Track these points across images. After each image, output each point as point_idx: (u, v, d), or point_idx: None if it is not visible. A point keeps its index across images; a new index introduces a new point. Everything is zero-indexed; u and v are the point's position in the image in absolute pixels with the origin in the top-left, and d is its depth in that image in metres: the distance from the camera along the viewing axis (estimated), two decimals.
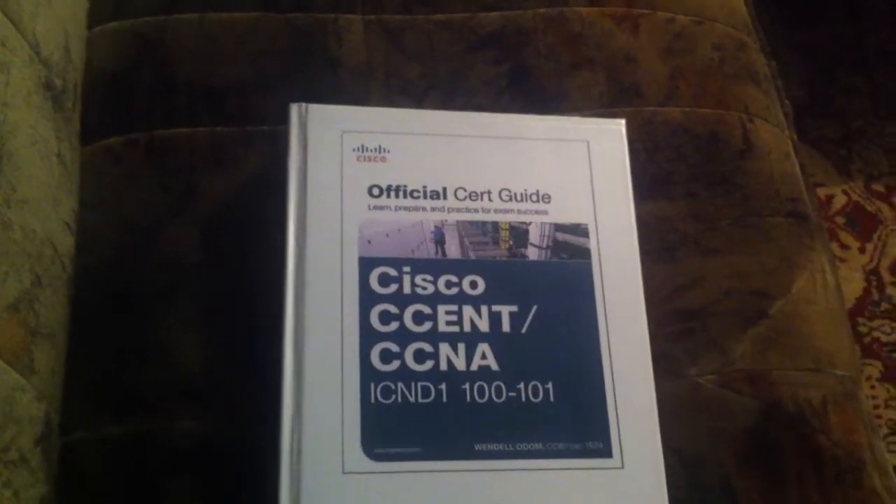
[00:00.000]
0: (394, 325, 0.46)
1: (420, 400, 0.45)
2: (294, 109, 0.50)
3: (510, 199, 0.50)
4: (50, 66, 0.50)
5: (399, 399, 0.45)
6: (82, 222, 0.53)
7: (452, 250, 0.48)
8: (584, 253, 0.49)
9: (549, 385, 0.46)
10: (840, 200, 1.10)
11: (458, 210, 0.49)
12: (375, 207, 0.48)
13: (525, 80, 0.59)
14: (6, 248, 0.43)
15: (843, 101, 1.14)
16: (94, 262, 0.52)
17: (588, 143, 0.52)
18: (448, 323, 0.46)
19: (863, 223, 1.09)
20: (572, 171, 0.51)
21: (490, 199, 0.50)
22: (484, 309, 0.47)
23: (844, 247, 1.08)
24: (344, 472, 0.43)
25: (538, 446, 0.45)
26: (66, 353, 0.49)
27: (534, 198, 0.50)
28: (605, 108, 0.59)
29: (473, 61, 0.59)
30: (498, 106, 0.58)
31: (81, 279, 0.51)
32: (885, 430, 0.98)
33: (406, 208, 0.49)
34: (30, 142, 0.47)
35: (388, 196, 0.48)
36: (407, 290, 0.47)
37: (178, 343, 0.50)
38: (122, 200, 0.54)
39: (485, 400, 0.45)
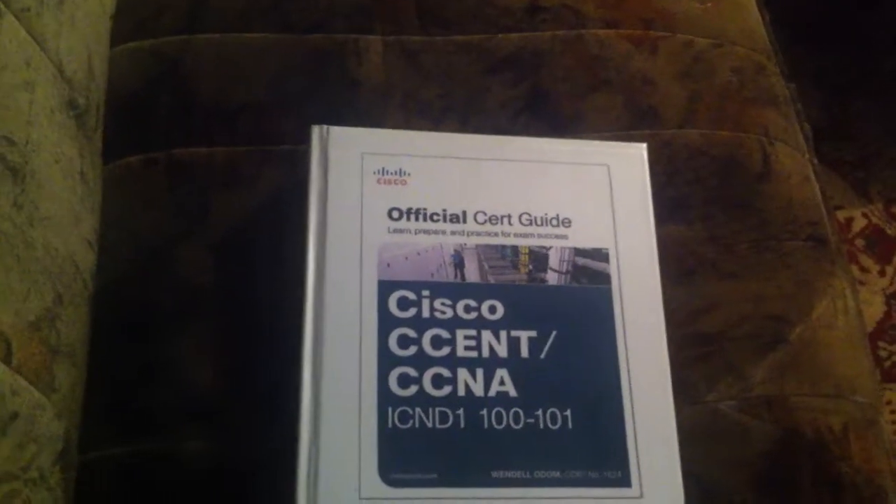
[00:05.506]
0: (412, 350, 0.46)
1: (437, 425, 0.45)
2: (315, 131, 0.50)
3: (530, 223, 0.50)
4: (73, 84, 0.51)
5: (416, 424, 0.44)
6: (102, 241, 0.53)
7: (472, 274, 0.48)
8: (605, 278, 0.49)
9: (568, 412, 0.46)
10: (860, 223, 1.09)
11: (478, 234, 0.49)
12: (395, 230, 0.48)
13: (542, 103, 0.59)
14: (28, 266, 0.43)
15: (858, 123, 1.14)
16: (110, 281, 0.52)
17: (609, 167, 0.51)
18: (466, 348, 0.46)
19: (883, 246, 1.08)
20: (593, 196, 0.50)
21: (510, 223, 0.49)
22: (503, 334, 0.47)
23: (864, 270, 1.07)
24: (360, 498, 0.43)
25: (556, 474, 0.44)
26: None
27: (554, 222, 0.50)
28: (622, 131, 0.59)
29: (491, 83, 0.60)
30: (514, 128, 0.58)
31: (97, 297, 0.52)
32: None
33: (426, 231, 0.48)
34: (53, 160, 0.47)
35: (408, 219, 0.48)
36: (426, 314, 0.47)
37: (189, 364, 0.50)
38: (138, 219, 0.54)
39: (502, 426, 0.45)
